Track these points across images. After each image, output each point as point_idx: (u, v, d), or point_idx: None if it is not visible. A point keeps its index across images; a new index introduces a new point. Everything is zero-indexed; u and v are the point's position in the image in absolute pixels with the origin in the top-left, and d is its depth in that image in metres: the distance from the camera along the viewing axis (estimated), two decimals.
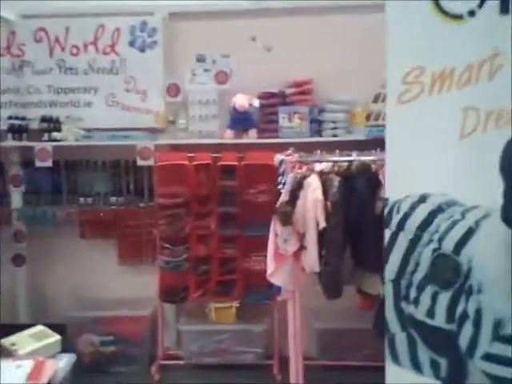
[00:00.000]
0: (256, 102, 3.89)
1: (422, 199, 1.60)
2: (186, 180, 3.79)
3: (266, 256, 3.85)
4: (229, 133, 3.92)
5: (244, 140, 3.94)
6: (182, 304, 4.00)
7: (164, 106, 4.00)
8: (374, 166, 2.09)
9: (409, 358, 1.67)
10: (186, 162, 3.76)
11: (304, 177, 2.12)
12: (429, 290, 1.62)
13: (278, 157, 2.19)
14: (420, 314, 1.64)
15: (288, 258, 2.15)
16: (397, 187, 1.62)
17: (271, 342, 3.98)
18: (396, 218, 1.62)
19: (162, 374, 3.92)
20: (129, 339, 4.02)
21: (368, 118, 3.96)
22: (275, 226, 2.15)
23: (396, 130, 1.74)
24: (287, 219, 2.09)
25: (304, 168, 2.19)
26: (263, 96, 3.99)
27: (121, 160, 4.11)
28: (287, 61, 4.06)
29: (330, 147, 3.72)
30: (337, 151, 3.09)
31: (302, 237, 2.13)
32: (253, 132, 3.92)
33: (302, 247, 2.13)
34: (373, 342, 3.86)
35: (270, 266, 2.15)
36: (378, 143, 3.68)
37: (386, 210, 1.63)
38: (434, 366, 1.63)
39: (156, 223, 3.94)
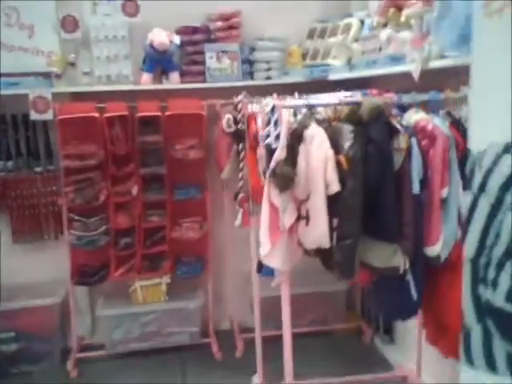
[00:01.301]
0: (177, 39, 3.22)
1: (507, 149, 1.16)
2: (97, 137, 3.07)
3: (197, 221, 3.38)
4: (145, 77, 3.22)
5: (165, 85, 3.27)
6: (99, 285, 3.33)
7: (59, 44, 3.16)
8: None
9: (483, 355, 1.28)
10: (96, 115, 3.03)
11: (304, 126, 1.60)
12: (510, 269, 1.21)
13: (268, 101, 1.64)
14: (499, 298, 1.24)
15: (284, 233, 1.64)
16: (482, 135, 1.16)
17: (206, 318, 3.49)
18: (477, 177, 1.17)
19: (81, 369, 3.28)
20: (35, 333, 3.29)
21: (304, 56, 3.47)
22: (269, 194, 1.61)
23: (483, 54, 1.25)
24: (287, 183, 1.57)
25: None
26: (184, 31, 3.33)
27: (7, 114, 3.24)
28: None
29: (263, 91, 3.24)
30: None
31: (299, 205, 1.63)
32: (175, 75, 3.27)
33: (300, 218, 1.63)
34: (316, 307, 3.68)
35: (265, 246, 1.64)
36: (319, 86, 3.27)
37: (468, 167, 1.18)
38: None
39: (59, 191, 3.18)
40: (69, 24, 3.14)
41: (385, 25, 2.58)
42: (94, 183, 3.11)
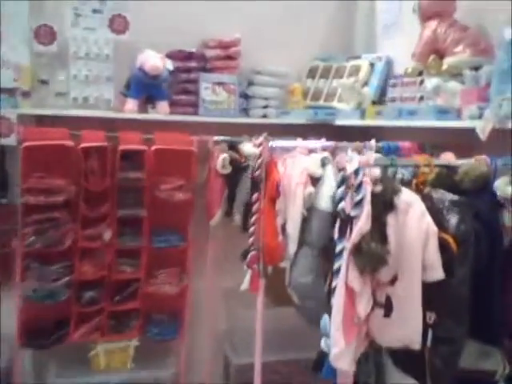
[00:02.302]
0: (170, 64, 2.81)
1: None
2: (68, 169, 2.57)
3: (175, 274, 2.90)
4: (131, 104, 2.78)
5: (153, 115, 2.84)
6: (53, 348, 2.77)
7: (29, 57, 2.67)
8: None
9: None
10: (70, 143, 2.54)
11: (394, 191, 1.25)
12: None
13: (351, 157, 1.26)
14: None
15: (359, 326, 1.26)
16: None
17: None
18: None
19: None
20: None
21: (304, 96, 3.16)
22: (347, 275, 1.23)
23: None
24: (378, 263, 1.20)
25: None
26: (176, 56, 2.93)
27: None
28: (206, 12, 3.05)
29: (257, 130, 2.90)
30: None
31: (375, 288, 1.25)
32: (163, 105, 2.85)
33: (376, 305, 1.25)
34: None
35: (338, 344, 1.24)
36: (320, 130, 2.96)
37: None
38: None
39: (15, 231, 2.64)
40: (44, 35, 2.67)
41: (420, 72, 2.31)
42: (60, 224, 2.59)
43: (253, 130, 2.94)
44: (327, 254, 2.02)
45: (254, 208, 2.11)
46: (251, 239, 2.13)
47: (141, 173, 2.67)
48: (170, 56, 2.89)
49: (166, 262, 2.87)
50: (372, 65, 3.00)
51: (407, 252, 1.21)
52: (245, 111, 3.06)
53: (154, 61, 2.68)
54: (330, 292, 1.29)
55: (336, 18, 3.36)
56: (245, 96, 3.06)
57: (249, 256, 2.13)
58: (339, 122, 2.84)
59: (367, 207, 1.22)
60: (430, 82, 2.07)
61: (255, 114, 3.07)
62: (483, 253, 1.22)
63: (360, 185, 1.23)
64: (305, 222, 2.02)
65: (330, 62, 3.22)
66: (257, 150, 2.74)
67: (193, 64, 2.92)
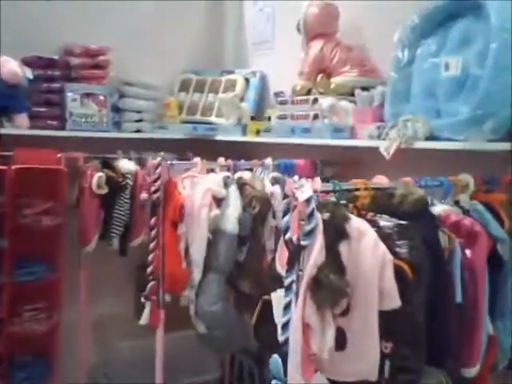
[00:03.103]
0: (28, 72, 2.48)
1: None
2: None
3: (44, 310, 2.56)
4: None
5: (10, 130, 2.47)
6: None
7: None
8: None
9: None
10: None
11: (344, 218, 1.19)
12: None
13: (302, 184, 1.16)
14: None
15: (316, 364, 1.18)
16: None
17: None
18: None
19: None
20: None
21: (180, 110, 3.03)
22: (304, 312, 1.15)
23: None
24: (338, 297, 1.13)
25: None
26: (34, 63, 2.59)
27: None
28: (69, 16, 2.77)
29: (132, 146, 2.72)
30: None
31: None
32: (22, 118, 2.50)
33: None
34: None
35: (295, 380, 1.15)
36: (198, 145, 2.86)
37: None
38: None
39: None
40: None
41: (309, 90, 2.33)
42: None
43: (127, 146, 2.74)
44: (233, 280, 1.93)
45: (153, 234, 1.92)
46: (150, 268, 1.93)
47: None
48: (26, 63, 2.54)
49: (32, 297, 2.50)
50: (247, 80, 2.98)
51: (363, 282, 1.17)
52: (117, 125, 2.81)
53: (13, 67, 2.33)
54: (284, 327, 1.19)
55: (206, 32, 3.30)
56: (116, 109, 2.81)
57: (148, 287, 1.93)
58: (221, 137, 2.76)
59: (320, 237, 1.16)
60: (325, 101, 2.10)
61: (128, 128, 2.84)
62: (430, 277, 1.23)
63: (312, 213, 1.16)
64: (210, 246, 1.90)
65: (203, 76, 3.13)
66: (133, 167, 2.57)
67: (56, 72, 2.61)
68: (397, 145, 1.73)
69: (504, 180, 1.68)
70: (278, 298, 1.32)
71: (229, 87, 2.97)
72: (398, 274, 1.17)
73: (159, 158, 1.91)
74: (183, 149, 2.88)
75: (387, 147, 1.77)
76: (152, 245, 1.93)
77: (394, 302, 1.16)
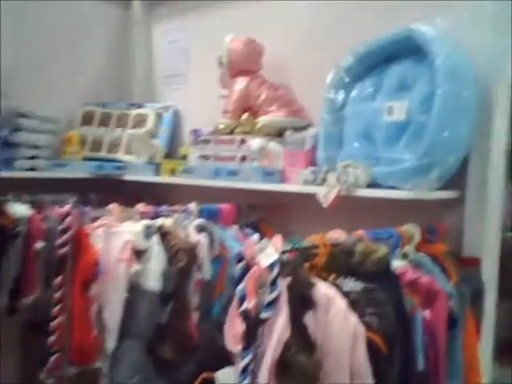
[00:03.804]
0: None
1: None
2: None
3: None
4: None
5: None
6: None
7: None
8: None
9: None
10: None
11: (308, 285, 1.01)
12: None
13: (264, 246, 0.96)
14: None
15: None
16: None
17: None
18: None
19: None
20: None
21: (82, 145, 2.74)
22: None
23: None
24: (308, 380, 0.94)
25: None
26: None
27: None
28: None
29: (27, 186, 2.40)
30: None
31: None
32: None
33: None
34: None
35: None
36: (103, 185, 2.57)
37: None
38: None
39: None
40: None
41: (233, 129, 2.18)
42: None
43: (20, 186, 2.39)
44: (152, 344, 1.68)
45: (58, 295, 1.62)
46: (52, 338, 1.62)
47: None
48: None
49: None
50: (159, 115, 2.76)
51: (332, 359, 1.00)
52: (8, 163, 2.45)
53: None
54: None
55: (111, 62, 3.04)
56: (7, 144, 2.46)
57: (50, 360, 1.61)
58: (130, 177, 2.51)
59: (285, 308, 0.98)
60: (255, 143, 1.95)
61: (21, 165, 2.49)
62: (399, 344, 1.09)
63: (275, 280, 0.98)
64: (128, 307, 1.64)
65: (108, 109, 2.86)
66: (27, 212, 2.22)
67: None
68: (337, 192, 1.61)
69: (442, 229, 1.62)
70: (225, 377, 1.10)
71: (139, 122, 2.74)
72: (371, 347, 1.01)
73: (68, 205, 1.63)
74: (85, 189, 2.59)
75: (326, 194, 1.64)
76: (56, 309, 1.62)
77: (366, 380, 1.00)
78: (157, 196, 2.63)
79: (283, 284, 1.00)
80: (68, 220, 1.61)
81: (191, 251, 1.74)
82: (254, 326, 1.00)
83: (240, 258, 1.09)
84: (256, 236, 1.07)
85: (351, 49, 1.84)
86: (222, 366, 1.26)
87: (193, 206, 1.94)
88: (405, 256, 1.43)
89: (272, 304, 0.99)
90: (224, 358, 1.21)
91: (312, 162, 1.88)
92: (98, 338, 1.61)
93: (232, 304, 1.11)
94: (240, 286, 1.04)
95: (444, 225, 1.59)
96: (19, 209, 2.22)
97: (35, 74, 2.68)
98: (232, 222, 2.03)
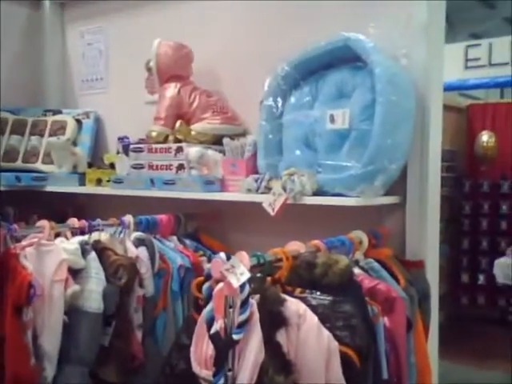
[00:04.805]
0: None
1: None
2: None
3: None
4: None
5: None
6: None
7: None
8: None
9: None
10: None
11: (277, 301, 0.99)
12: None
13: (235, 264, 0.90)
14: None
15: None
16: None
17: None
18: None
19: None
20: None
21: None
22: None
23: None
24: None
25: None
26: None
27: None
28: None
29: None
30: None
31: None
32: None
33: None
34: None
35: None
36: (13, 197, 2.38)
37: None
38: None
39: None
40: None
41: (166, 137, 2.11)
42: None
43: None
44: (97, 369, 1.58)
45: None
46: None
47: None
48: None
49: None
50: (78, 121, 2.62)
51: (308, 376, 0.98)
52: None
53: None
54: None
55: (22, 64, 2.83)
56: None
57: None
58: (53, 188, 2.35)
59: (257, 329, 0.94)
60: (193, 151, 1.89)
61: None
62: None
63: (246, 300, 0.95)
64: (66, 331, 1.53)
65: (22, 115, 2.67)
66: None
67: None
68: (283, 200, 1.61)
69: (384, 233, 1.66)
70: None
71: (57, 129, 2.58)
72: (345, 362, 1.00)
73: None
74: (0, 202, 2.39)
75: (272, 202, 1.63)
76: None
77: None
78: (80, 208, 2.50)
79: (254, 303, 0.96)
80: None
81: (132, 267, 1.66)
82: (225, 349, 0.96)
83: (207, 278, 1.04)
84: (222, 254, 1.02)
85: (286, 57, 1.84)
86: None
87: (129, 218, 1.85)
88: (356, 263, 1.45)
89: (244, 325, 0.95)
90: (178, 379, 1.16)
91: (252, 170, 1.86)
92: (37, 366, 1.48)
93: (198, 325, 1.06)
94: (208, 307, 0.99)
95: (386, 229, 1.63)
96: None
97: None
98: (170, 232, 1.96)
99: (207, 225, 2.10)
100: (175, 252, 1.85)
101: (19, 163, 2.53)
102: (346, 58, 1.71)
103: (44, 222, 1.67)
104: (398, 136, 1.52)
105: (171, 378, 1.15)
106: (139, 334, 1.67)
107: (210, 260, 1.91)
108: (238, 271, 0.95)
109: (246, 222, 2.03)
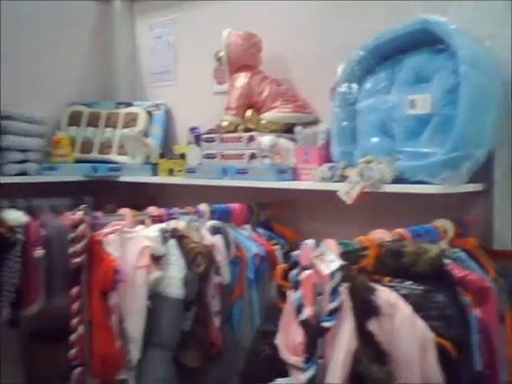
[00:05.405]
0: None
1: None
2: None
3: None
4: None
5: None
6: None
7: None
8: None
9: None
10: None
11: (368, 289, 0.98)
12: None
13: (324, 252, 0.91)
14: None
15: None
16: None
17: None
18: None
19: None
20: None
21: (72, 147, 2.63)
22: None
23: None
24: None
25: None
26: None
27: None
28: None
29: (16, 191, 2.30)
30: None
31: None
32: None
33: None
34: None
35: None
36: (89, 187, 2.47)
37: None
38: None
39: None
40: None
41: (236, 127, 2.12)
42: None
43: (9, 192, 2.28)
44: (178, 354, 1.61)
45: (76, 306, 1.53)
46: (74, 350, 1.54)
47: None
48: None
49: None
50: (149, 113, 2.68)
51: (402, 367, 0.97)
52: None
53: None
54: None
55: (94, 59, 2.92)
56: None
57: (74, 374, 1.53)
58: (127, 178, 2.42)
59: (350, 316, 0.93)
60: (266, 140, 1.89)
61: (10, 170, 2.37)
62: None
63: (336, 288, 0.94)
64: (150, 316, 1.57)
65: (96, 108, 2.75)
66: (23, 218, 2.11)
67: None
68: (361, 188, 1.58)
69: (469, 221, 1.61)
70: None
71: (130, 121, 2.64)
72: (440, 353, 0.98)
73: (80, 212, 1.54)
74: (77, 192, 2.49)
75: (348, 191, 1.61)
76: (75, 321, 1.54)
77: None
78: (151, 197, 2.56)
79: (344, 291, 0.95)
80: (81, 228, 1.53)
81: (209, 255, 1.68)
82: (316, 336, 0.96)
83: (294, 264, 1.04)
84: (311, 241, 1.01)
85: (357, 43, 1.80)
86: (252, 373, 1.21)
87: (204, 207, 1.88)
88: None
89: (335, 312, 0.94)
90: (264, 365, 1.17)
91: (325, 158, 1.84)
92: (122, 348, 1.53)
93: (286, 311, 1.06)
94: (297, 294, 0.99)
95: (471, 218, 1.57)
96: (15, 216, 2.12)
97: (18, 74, 2.55)
98: (244, 221, 1.98)
99: (279, 214, 2.10)
100: (250, 240, 1.86)
101: (95, 154, 2.61)
102: (424, 41, 1.65)
103: (125, 210, 1.72)
104: (484, 121, 1.46)
105: (257, 364, 1.16)
106: (217, 321, 1.70)
107: (283, 248, 1.93)
108: (327, 258, 0.94)
109: (318, 211, 2.02)
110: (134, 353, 1.55)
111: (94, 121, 2.71)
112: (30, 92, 2.58)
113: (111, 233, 1.63)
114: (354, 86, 1.80)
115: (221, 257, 1.74)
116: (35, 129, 2.49)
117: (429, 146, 1.53)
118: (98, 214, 1.69)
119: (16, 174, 2.39)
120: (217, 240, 1.76)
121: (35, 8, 2.60)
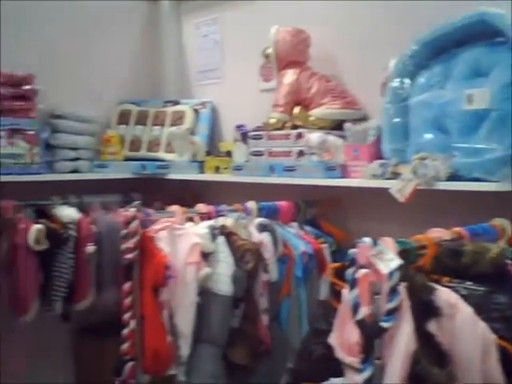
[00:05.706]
0: None
1: None
2: None
3: None
4: None
5: None
6: None
7: None
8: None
9: None
10: None
11: (428, 289, 0.95)
12: None
13: (382, 250, 0.90)
14: None
15: None
16: None
17: None
18: None
19: None
20: None
21: (121, 145, 2.67)
22: None
23: None
24: None
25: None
26: None
27: None
28: None
29: (68, 188, 2.34)
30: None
31: None
32: None
33: None
34: None
35: None
36: (137, 184, 2.50)
37: None
38: None
39: None
40: None
41: (284, 124, 2.10)
42: None
43: (62, 189, 2.34)
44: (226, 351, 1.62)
45: (127, 302, 1.56)
46: (126, 345, 1.56)
47: None
48: None
49: None
50: (196, 111, 2.69)
51: (463, 369, 0.94)
52: (49, 165, 2.39)
53: None
54: None
55: (142, 58, 2.95)
56: (47, 146, 2.40)
57: (125, 369, 1.56)
58: (175, 175, 2.44)
59: (409, 317, 0.91)
60: (314, 137, 1.87)
61: (62, 168, 2.43)
62: None
63: (395, 288, 0.91)
64: (199, 312, 1.58)
65: (144, 107, 2.79)
66: (76, 215, 2.16)
67: None
68: (414, 186, 1.54)
69: None
70: None
71: (177, 120, 2.67)
72: (502, 355, 0.94)
73: (133, 209, 1.56)
74: (126, 189, 2.53)
75: (401, 188, 1.57)
76: (127, 316, 1.56)
77: None
78: (197, 195, 2.57)
79: (403, 291, 0.93)
80: (134, 224, 1.55)
81: (257, 252, 1.68)
82: (373, 336, 0.94)
83: (351, 263, 1.02)
84: (369, 239, 0.99)
85: (408, 37, 1.76)
86: (304, 372, 1.20)
87: (252, 204, 1.87)
88: None
89: (393, 312, 0.92)
90: (317, 364, 1.16)
91: (376, 155, 1.81)
92: (173, 343, 1.55)
93: (340, 310, 1.05)
94: (353, 293, 0.97)
95: None
96: (67, 212, 2.17)
97: (67, 75, 2.61)
98: (291, 219, 1.96)
99: (327, 212, 2.08)
100: (298, 238, 1.85)
101: (143, 152, 2.65)
102: (481, 34, 1.59)
103: (176, 207, 1.73)
104: None
105: (310, 363, 1.14)
106: (265, 319, 1.69)
107: (331, 246, 1.90)
108: (386, 257, 0.91)
109: (367, 209, 1.98)
110: (184, 348, 1.56)
111: (142, 119, 2.75)
112: (81, 91, 2.63)
113: (162, 229, 1.65)
114: (407, 81, 1.76)
115: (268, 254, 1.73)
116: (86, 127, 2.55)
117: (486, 143, 1.48)
118: (150, 210, 1.71)
119: (69, 172, 2.44)
120: (264, 237, 1.75)
121: (86, 8, 2.65)
